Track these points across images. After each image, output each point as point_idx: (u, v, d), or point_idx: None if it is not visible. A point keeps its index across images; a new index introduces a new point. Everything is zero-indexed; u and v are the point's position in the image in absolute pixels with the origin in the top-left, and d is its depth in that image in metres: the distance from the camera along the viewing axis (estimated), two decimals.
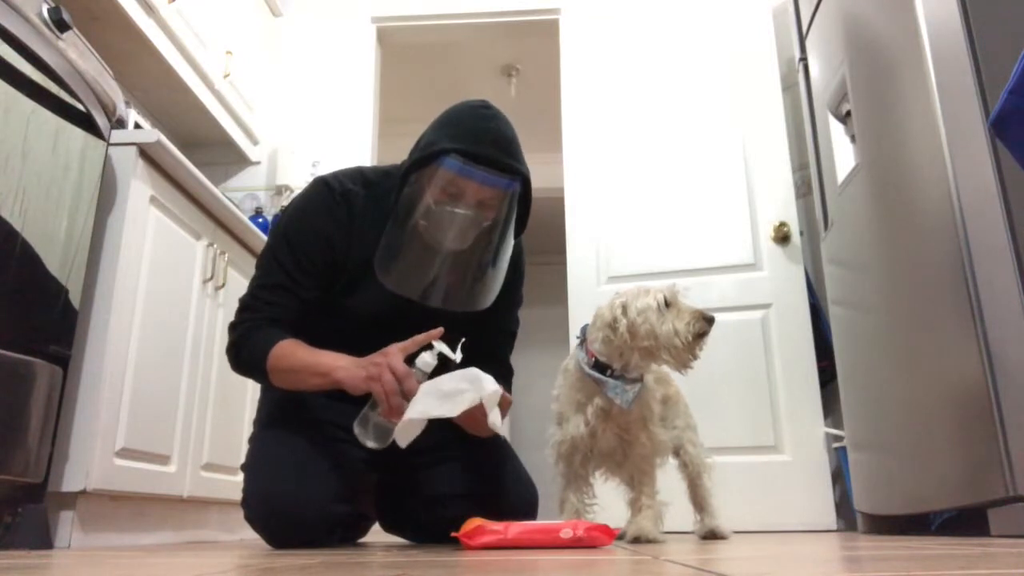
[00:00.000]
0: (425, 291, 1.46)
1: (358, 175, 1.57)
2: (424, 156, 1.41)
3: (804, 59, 2.51)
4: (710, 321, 1.46)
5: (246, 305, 1.51)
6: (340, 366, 1.38)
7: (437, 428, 1.63)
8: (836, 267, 2.36)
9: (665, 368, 1.79)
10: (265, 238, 2.48)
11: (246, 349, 1.48)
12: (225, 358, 1.55)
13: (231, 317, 1.53)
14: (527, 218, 1.52)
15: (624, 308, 1.48)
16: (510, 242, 1.52)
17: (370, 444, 1.35)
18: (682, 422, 1.76)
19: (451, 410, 1.30)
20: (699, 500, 1.74)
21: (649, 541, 1.44)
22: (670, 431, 1.73)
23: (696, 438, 1.77)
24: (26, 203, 1.54)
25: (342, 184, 1.53)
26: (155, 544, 1.87)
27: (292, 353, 1.43)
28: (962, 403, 1.55)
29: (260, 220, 3.17)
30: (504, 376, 1.62)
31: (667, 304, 1.46)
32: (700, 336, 1.45)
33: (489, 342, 1.67)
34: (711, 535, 1.70)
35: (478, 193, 1.40)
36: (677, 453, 1.75)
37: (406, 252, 1.44)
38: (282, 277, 1.49)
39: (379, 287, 1.47)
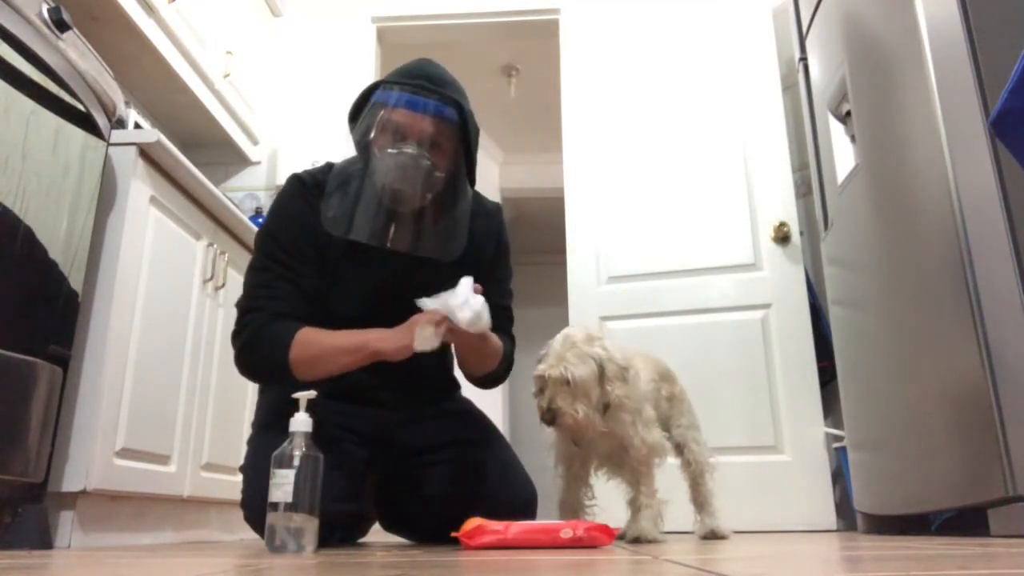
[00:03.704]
0: (382, 236, 1.45)
1: (327, 167, 1.60)
2: (360, 97, 1.46)
3: (804, 59, 2.51)
4: (545, 421, 1.43)
5: (246, 308, 1.49)
6: (373, 337, 1.40)
7: (435, 428, 1.64)
8: (836, 267, 2.36)
9: (668, 366, 1.80)
10: None
11: (259, 350, 1.46)
12: (225, 357, 1.55)
13: (232, 317, 1.52)
14: (474, 168, 1.54)
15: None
16: (462, 184, 1.53)
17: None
18: (686, 420, 1.76)
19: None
20: (700, 499, 1.74)
21: (649, 541, 1.44)
22: (674, 429, 1.73)
23: (700, 437, 1.78)
24: (26, 203, 1.54)
25: (312, 176, 1.57)
26: (155, 544, 1.87)
27: (315, 339, 1.43)
28: (962, 403, 1.55)
29: (260, 220, 3.16)
30: (506, 344, 1.65)
31: (572, 382, 1.41)
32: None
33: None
34: (711, 535, 1.70)
35: (411, 122, 1.42)
36: (680, 451, 1.75)
37: (359, 199, 1.45)
38: (278, 269, 1.49)
39: (358, 273, 1.48)
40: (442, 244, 1.51)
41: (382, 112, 1.43)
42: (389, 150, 1.42)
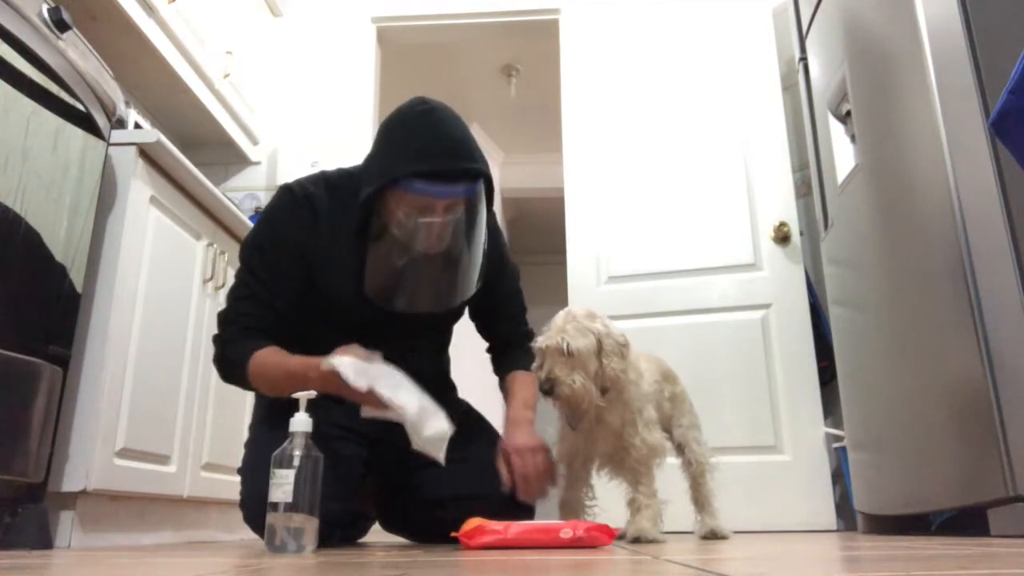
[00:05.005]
0: (415, 300, 1.49)
1: (320, 178, 1.60)
2: (383, 185, 1.42)
3: (804, 59, 2.51)
4: (543, 391, 1.46)
5: (225, 318, 1.53)
6: (313, 378, 1.38)
7: None
8: (836, 267, 2.36)
9: (670, 366, 1.80)
10: None
11: (228, 363, 1.51)
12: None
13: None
14: (491, 199, 1.54)
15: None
16: (483, 231, 1.54)
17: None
18: (687, 420, 1.76)
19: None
20: (701, 499, 1.74)
21: (649, 541, 1.44)
22: (676, 429, 1.73)
23: (701, 437, 1.78)
24: (26, 203, 1.54)
25: (304, 188, 1.56)
26: (155, 544, 1.87)
27: (269, 363, 1.46)
28: (962, 403, 1.55)
29: None
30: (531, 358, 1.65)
31: (569, 353, 1.44)
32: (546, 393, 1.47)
33: (502, 331, 1.73)
34: (711, 535, 1.70)
35: (444, 206, 1.42)
36: (681, 451, 1.75)
37: (391, 273, 1.47)
38: (256, 287, 1.51)
39: (349, 289, 1.49)
40: (467, 289, 1.54)
41: (411, 199, 1.40)
42: (418, 221, 1.41)
